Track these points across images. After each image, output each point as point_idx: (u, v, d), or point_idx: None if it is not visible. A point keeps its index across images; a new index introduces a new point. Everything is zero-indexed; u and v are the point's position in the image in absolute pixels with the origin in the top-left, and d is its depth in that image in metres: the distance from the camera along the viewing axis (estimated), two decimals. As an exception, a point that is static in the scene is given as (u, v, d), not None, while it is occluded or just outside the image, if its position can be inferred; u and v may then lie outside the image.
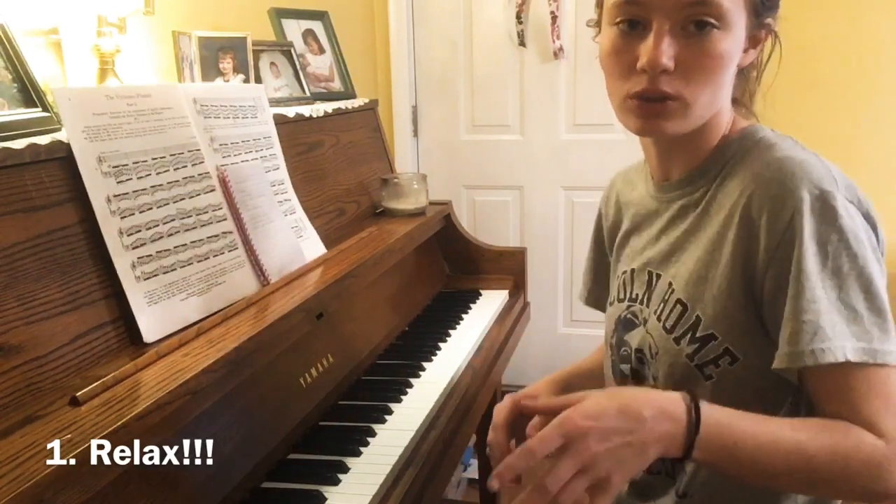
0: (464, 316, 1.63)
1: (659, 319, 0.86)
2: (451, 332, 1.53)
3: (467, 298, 1.74)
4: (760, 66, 0.88)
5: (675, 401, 0.69)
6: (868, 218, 0.77)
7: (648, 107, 0.78)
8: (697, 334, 0.81)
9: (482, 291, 1.80)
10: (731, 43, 0.77)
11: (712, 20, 0.75)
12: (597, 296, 1.11)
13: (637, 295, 0.92)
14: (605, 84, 0.83)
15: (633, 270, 0.94)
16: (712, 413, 0.69)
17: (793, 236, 0.74)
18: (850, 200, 0.75)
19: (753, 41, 0.82)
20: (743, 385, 0.79)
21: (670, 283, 0.86)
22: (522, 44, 2.72)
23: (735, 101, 0.89)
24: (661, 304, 0.87)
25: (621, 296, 0.96)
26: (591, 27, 0.88)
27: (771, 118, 0.92)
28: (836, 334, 0.71)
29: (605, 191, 1.07)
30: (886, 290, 0.76)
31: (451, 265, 1.91)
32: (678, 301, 0.84)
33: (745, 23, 0.78)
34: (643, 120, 0.79)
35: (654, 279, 0.90)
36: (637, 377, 0.91)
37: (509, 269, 1.86)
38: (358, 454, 1.04)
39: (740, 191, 0.79)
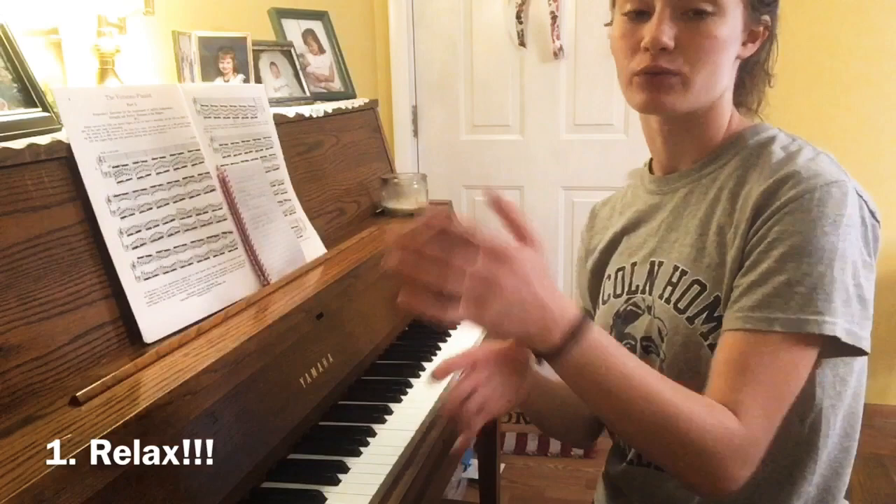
0: (464, 316, 1.63)
1: (668, 301, 0.89)
2: (451, 331, 1.53)
3: (467, 298, 1.73)
4: (768, 69, 0.93)
5: (571, 304, 0.69)
6: (873, 214, 0.81)
7: (651, 80, 0.85)
8: (715, 314, 0.84)
9: (482, 291, 1.79)
10: (727, 29, 0.84)
11: (708, 8, 0.83)
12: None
13: (637, 286, 0.95)
14: (615, 72, 0.91)
15: (633, 264, 0.96)
16: (599, 333, 0.70)
17: (787, 211, 0.78)
18: (858, 194, 0.80)
19: (752, 35, 0.88)
20: None
21: (676, 267, 0.89)
22: (522, 44, 2.72)
23: (739, 104, 0.93)
24: (670, 287, 0.89)
25: (618, 291, 0.97)
26: (607, 26, 0.94)
27: (773, 116, 0.94)
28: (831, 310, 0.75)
29: (587, 220, 1.12)
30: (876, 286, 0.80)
31: (452, 265, 1.90)
32: (695, 282, 0.87)
33: (741, 14, 0.85)
34: (647, 94, 0.85)
35: (657, 267, 0.93)
36: None
37: (509, 269, 1.86)
38: (358, 454, 1.04)
39: (752, 185, 0.84)
